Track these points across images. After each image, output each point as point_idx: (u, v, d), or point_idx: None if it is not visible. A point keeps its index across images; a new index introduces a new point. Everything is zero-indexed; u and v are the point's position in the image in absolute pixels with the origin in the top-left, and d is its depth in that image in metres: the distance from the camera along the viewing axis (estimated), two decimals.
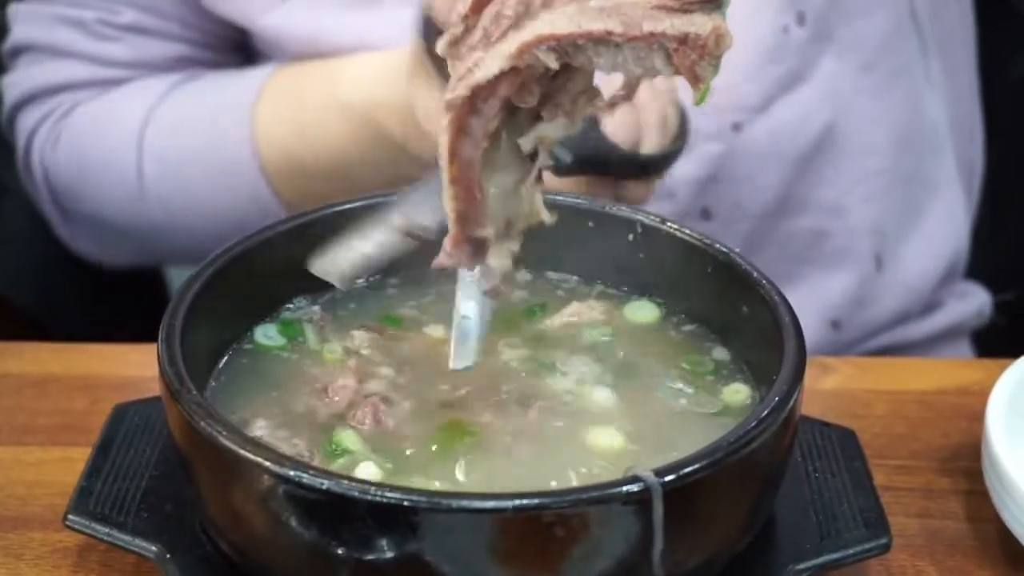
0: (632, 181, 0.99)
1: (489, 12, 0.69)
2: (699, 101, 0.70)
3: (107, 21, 1.20)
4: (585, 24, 0.67)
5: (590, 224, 0.87)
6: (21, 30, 1.23)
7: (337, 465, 0.73)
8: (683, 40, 0.67)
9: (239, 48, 1.24)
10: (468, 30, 0.69)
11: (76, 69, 1.21)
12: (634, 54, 0.68)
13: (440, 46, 0.70)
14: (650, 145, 1.00)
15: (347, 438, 0.75)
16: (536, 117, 0.71)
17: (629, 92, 0.74)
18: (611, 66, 0.68)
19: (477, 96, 0.69)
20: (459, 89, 0.69)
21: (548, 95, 0.71)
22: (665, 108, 1.01)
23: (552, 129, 0.71)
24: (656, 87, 1.01)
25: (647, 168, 1.00)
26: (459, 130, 0.70)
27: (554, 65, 0.68)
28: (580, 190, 0.95)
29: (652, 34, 0.67)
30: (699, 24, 0.67)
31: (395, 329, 0.84)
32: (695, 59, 0.67)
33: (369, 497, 0.65)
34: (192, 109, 1.19)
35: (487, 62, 0.68)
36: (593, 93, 0.71)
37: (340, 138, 1.10)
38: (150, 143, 1.18)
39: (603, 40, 0.67)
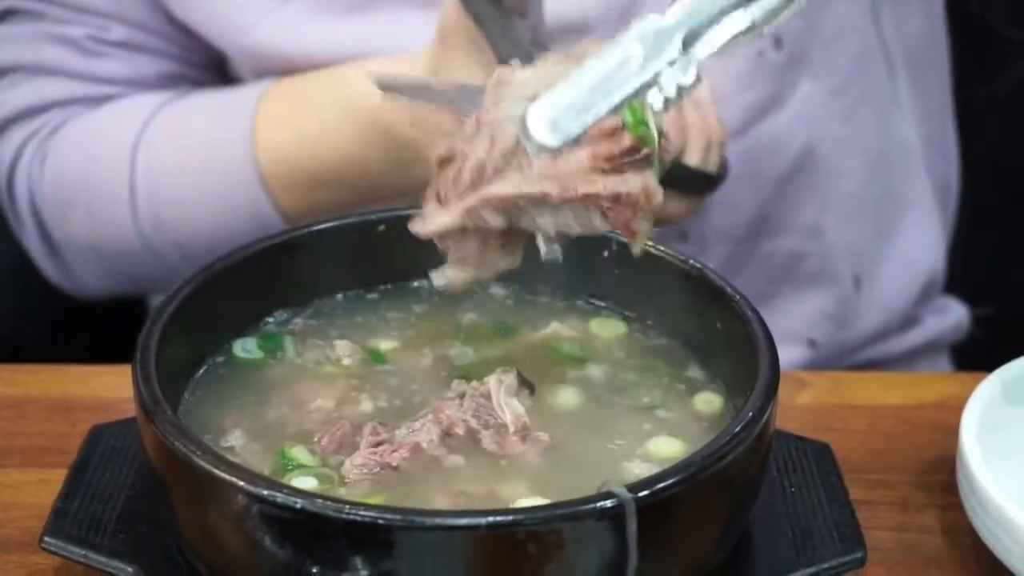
0: (673, 196, 0.97)
1: (448, 173, 0.74)
2: (638, 252, 0.76)
3: (98, 38, 1.16)
4: (524, 187, 0.72)
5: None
6: (2, 51, 1.18)
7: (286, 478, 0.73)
8: (616, 199, 0.72)
9: (222, 68, 1.21)
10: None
11: (67, 86, 1.17)
12: (573, 214, 0.73)
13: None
14: (692, 160, 1.01)
15: (300, 454, 0.75)
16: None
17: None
18: (553, 225, 0.73)
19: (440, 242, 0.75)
20: (420, 229, 0.75)
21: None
22: (710, 136, 1.02)
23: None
24: (704, 114, 1.02)
25: (697, 182, 1.01)
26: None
27: (500, 224, 0.73)
28: None
29: (587, 196, 0.72)
30: (630, 183, 0.72)
31: (379, 364, 0.83)
32: (629, 216, 0.72)
33: (344, 515, 0.65)
34: (188, 121, 1.15)
35: (440, 216, 0.74)
36: None
37: (346, 142, 1.07)
38: (144, 157, 1.14)
39: (543, 202, 0.72)
